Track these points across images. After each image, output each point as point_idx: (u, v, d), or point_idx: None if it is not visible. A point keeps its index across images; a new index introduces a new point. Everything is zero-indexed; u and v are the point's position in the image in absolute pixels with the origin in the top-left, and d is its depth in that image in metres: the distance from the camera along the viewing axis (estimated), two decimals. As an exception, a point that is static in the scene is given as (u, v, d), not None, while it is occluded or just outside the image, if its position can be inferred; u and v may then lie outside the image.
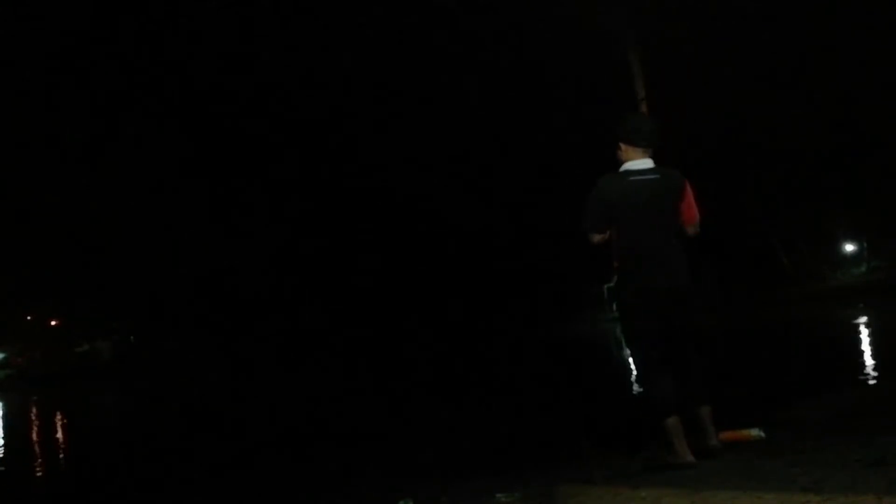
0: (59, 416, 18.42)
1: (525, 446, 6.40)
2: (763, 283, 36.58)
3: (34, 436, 13.75)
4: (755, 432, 4.31)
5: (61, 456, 10.18)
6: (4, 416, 20.63)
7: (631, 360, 4.16)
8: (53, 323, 56.19)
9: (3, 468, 9.42)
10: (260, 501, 5.79)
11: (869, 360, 9.47)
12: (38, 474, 8.76)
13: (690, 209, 4.13)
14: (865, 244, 40.09)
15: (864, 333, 14.42)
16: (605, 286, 49.18)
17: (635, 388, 10.46)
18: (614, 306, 4.01)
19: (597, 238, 4.11)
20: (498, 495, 4.01)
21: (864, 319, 17.95)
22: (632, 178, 4.07)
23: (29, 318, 55.04)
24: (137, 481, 7.40)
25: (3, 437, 14.09)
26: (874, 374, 8.24)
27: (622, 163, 4.16)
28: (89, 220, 47.58)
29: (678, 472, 3.81)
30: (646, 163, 4.10)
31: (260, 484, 6.29)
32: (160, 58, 49.63)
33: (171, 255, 47.82)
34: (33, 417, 18.75)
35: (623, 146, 4.15)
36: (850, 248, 41.00)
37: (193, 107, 49.82)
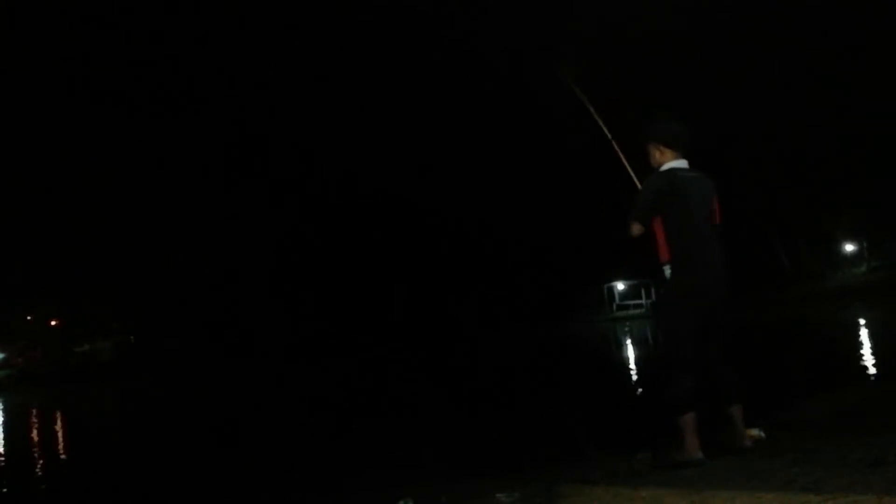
0: (59, 416, 18.41)
1: (525, 446, 6.39)
2: (763, 283, 36.55)
3: (34, 436, 13.74)
4: (755, 432, 4.32)
5: (61, 456, 10.17)
6: (4, 416, 20.62)
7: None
8: (53, 323, 56.17)
9: (3, 468, 9.41)
10: (259, 501, 5.79)
11: (869, 360, 9.46)
12: (38, 474, 8.75)
13: (718, 211, 4.22)
14: (865, 244, 40.05)
15: (864, 333, 14.41)
16: (605, 286, 49.24)
17: (640, 388, 10.45)
18: (654, 296, 3.94)
19: (637, 230, 4.08)
20: (498, 495, 4.01)
21: (863, 319, 17.93)
22: (680, 174, 4.12)
23: (29, 318, 55.03)
24: (137, 481, 7.40)
25: (3, 437, 14.08)
26: (874, 374, 8.23)
27: (658, 165, 4.20)
28: (90, 220, 47.60)
29: (678, 472, 3.81)
30: (684, 163, 4.18)
31: (260, 484, 6.29)
32: (162, 58, 49.64)
33: (172, 256, 47.82)
34: (33, 417, 18.74)
35: (662, 149, 4.19)
36: (850, 248, 40.97)
37: (196, 108, 49.82)
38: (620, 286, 49.29)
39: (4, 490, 7.72)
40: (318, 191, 48.48)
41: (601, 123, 4.59)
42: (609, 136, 4.58)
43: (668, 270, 4.06)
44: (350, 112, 46.44)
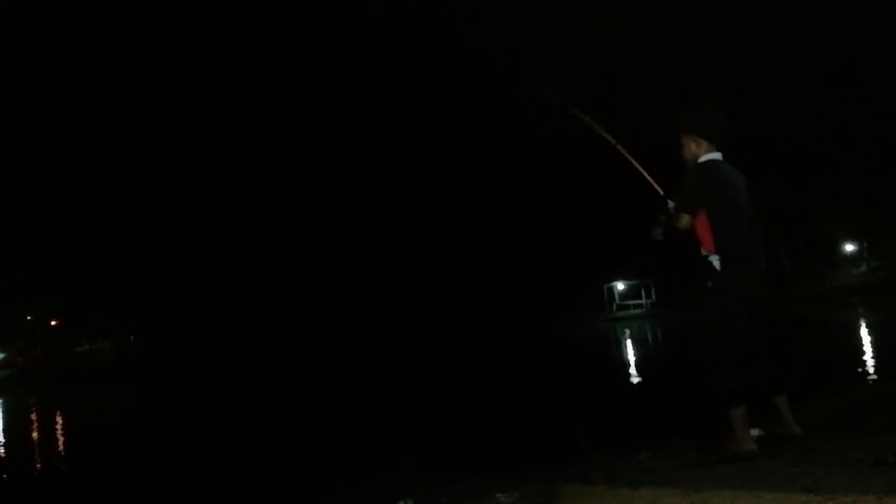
0: (59, 416, 18.41)
1: (525, 446, 6.39)
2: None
3: (34, 436, 13.74)
4: (755, 432, 4.32)
5: (61, 456, 10.17)
6: (4, 416, 20.62)
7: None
8: (53, 323, 56.14)
9: (2, 468, 9.41)
10: (260, 501, 5.79)
11: (869, 360, 9.46)
12: (38, 474, 8.75)
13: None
14: (865, 244, 40.06)
15: (864, 333, 14.41)
16: (605, 286, 49.22)
17: (636, 384, 10.46)
18: (702, 290, 3.71)
19: (686, 220, 3.96)
20: (498, 495, 4.01)
21: (863, 319, 17.93)
22: (724, 166, 4.00)
23: (29, 318, 54.99)
24: (137, 481, 7.40)
25: (3, 437, 14.08)
26: (874, 374, 8.23)
27: (694, 156, 4.04)
28: (90, 220, 47.60)
29: (678, 472, 3.81)
30: (719, 155, 4.03)
31: (260, 484, 6.29)
32: (162, 58, 49.66)
33: (172, 256, 47.82)
34: (33, 417, 18.74)
35: (698, 140, 4.02)
36: (850, 248, 40.99)
37: (196, 108, 49.85)
38: (620, 286, 49.28)
39: (5, 490, 7.72)
40: (318, 191, 48.49)
41: (604, 133, 4.44)
42: (614, 142, 4.37)
43: (716, 261, 3.92)
44: (350, 112, 46.48)
